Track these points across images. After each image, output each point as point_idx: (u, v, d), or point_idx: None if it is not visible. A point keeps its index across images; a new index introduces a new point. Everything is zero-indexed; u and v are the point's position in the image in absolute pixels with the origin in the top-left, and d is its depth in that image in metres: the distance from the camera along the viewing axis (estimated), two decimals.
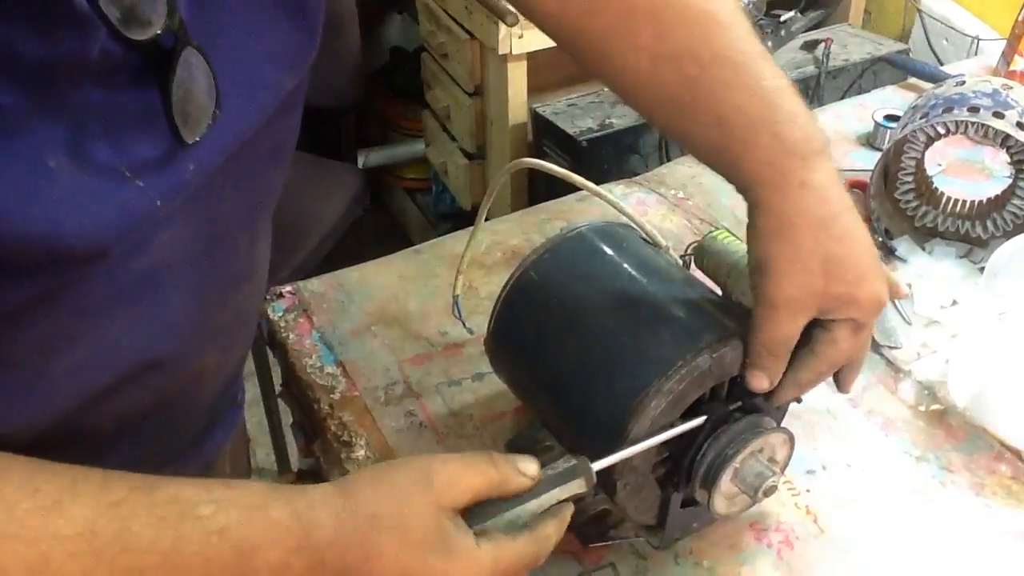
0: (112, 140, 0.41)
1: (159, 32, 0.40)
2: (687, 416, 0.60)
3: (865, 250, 0.58)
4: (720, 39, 0.56)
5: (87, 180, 0.40)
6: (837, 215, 0.57)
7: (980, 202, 1.01)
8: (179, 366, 0.55)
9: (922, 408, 0.80)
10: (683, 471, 0.61)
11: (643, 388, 0.59)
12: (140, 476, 0.44)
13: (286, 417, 1.20)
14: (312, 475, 0.94)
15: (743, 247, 0.67)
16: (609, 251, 0.70)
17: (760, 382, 0.60)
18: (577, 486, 0.54)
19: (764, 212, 0.57)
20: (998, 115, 0.89)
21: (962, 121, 0.91)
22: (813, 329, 0.60)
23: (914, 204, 1.00)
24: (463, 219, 2.00)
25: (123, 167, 0.42)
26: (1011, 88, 0.92)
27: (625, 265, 0.69)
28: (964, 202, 1.01)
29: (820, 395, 0.74)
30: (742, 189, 0.59)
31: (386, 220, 2.64)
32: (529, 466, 0.51)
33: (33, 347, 0.44)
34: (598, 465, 0.55)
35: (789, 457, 0.63)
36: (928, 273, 0.95)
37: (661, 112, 0.60)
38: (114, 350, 0.49)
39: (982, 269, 0.92)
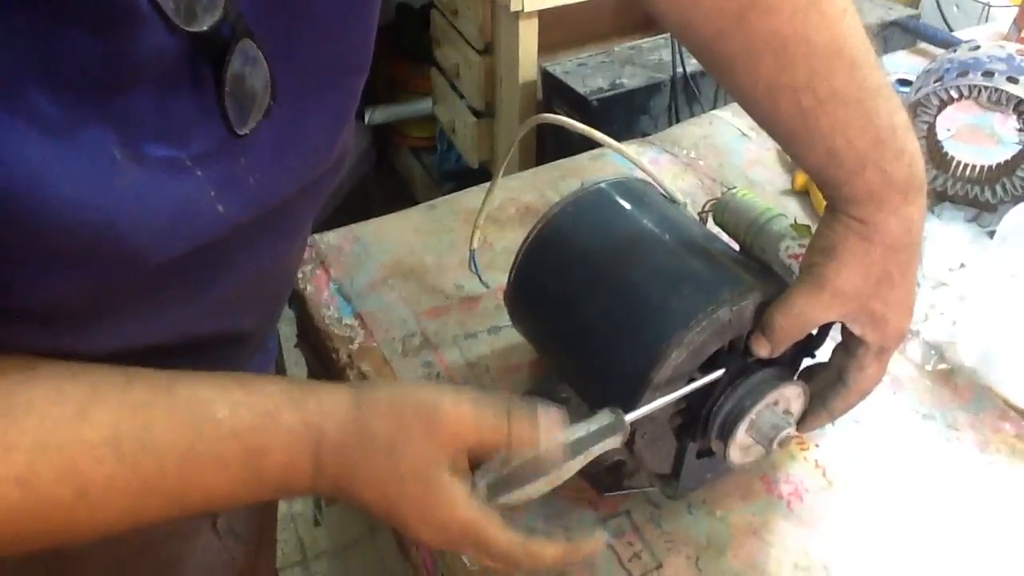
0: (165, 132, 0.41)
1: (214, 22, 0.39)
2: (706, 367, 0.62)
3: (912, 287, 0.62)
4: (841, 75, 0.57)
5: (143, 172, 0.40)
6: (909, 247, 0.60)
7: (989, 167, 1.02)
8: (224, 331, 0.56)
9: (929, 368, 0.81)
10: (700, 422, 0.63)
11: (664, 339, 0.60)
12: (162, 374, 0.46)
13: (293, 372, 1.22)
14: None
15: (762, 204, 0.69)
16: (629, 206, 0.71)
17: (762, 349, 0.62)
18: (612, 442, 0.55)
19: (853, 217, 0.59)
20: (1012, 80, 0.90)
21: (976, 85, 0.91)
22: (843, 360, 0.64)
23: (926, 166, 1.01)
24: (469, 178, 2.00)
25: (182, 157, 0.42)
26: None
27: (646, 220, 0.70)
28: (974, 167, 1.02)
29: (830, 352, 0.75)
30: (839, 202, 0.60)
31: (392, 178, 2.64)
32: (551, 425, 0.52)
33: (81, 316, 0.45)
34: (631, 417, 0.56)
35: (803, 409, 0.64)
36: (937, 236, 0.96)
37: (774, 133, 0.61)
38: (159, 323, 0.50)
39: (990, 233, 0.94)
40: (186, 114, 0.42)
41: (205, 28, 0.39)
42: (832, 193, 0.60)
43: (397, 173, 2.66)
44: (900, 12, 1.73)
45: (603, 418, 0.55)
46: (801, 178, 1.02)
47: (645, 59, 1.61)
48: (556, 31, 1.68)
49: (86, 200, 0.38)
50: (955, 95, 0.94)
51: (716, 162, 1.08)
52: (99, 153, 0.38)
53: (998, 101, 0.93)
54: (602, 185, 0.73)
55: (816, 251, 0.61)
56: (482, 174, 1.95)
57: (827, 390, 0.65)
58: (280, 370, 1.26)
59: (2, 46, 0.33)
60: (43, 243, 0.38)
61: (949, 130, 1.11)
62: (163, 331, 0.50)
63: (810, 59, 0.56)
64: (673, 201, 0.74)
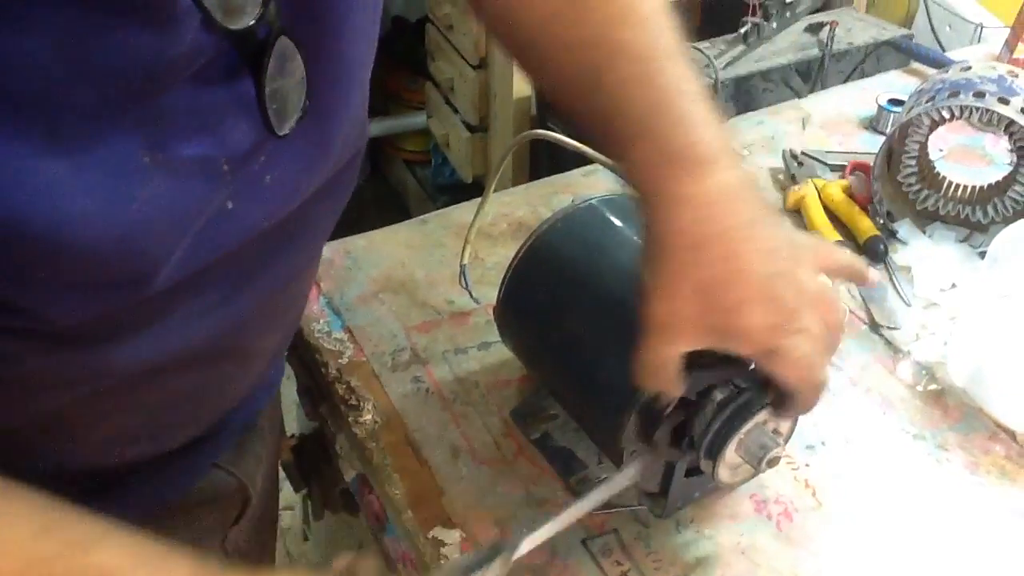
0: (200, 130, 0.40)
1: (253, 21, 0.39)
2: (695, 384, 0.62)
3: (758, 271, 0.51)
4: (633, 32, 0.53)
5: (170, 178, 0.40)
6: (719, 235, 0.51)
7: (981, 188, 1.02)
8: (236, 348, 0.56)
9: (920, 388, 0.81)
10: (688, 440, 0.63)
11: None
12: (89, 529, 0.42)
13: (283, 385, 1.23)
14: (315, 439, 0.95)
15: None
16: (620, 222, 0.71)
17: (648, 387, 0.57)
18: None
19: (644, 228, 0.54)
20: (1003, 101, 0.90)
21: (967, 106, 0.92)
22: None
23: (916, 188, 1.01)
24: (462, 192, 2.01)
25: (217, 157, 0.41)
26: (1017, 75, 0.93)
27: (636, 236, 0.69)
28: (965, 187, 1.02)
29: None
30: (632, 194, 0.55)
31: (385, 191, 2.64)
32: None
33: (94, 334, 0.44)
34: (523, 549, 0.55)
35: (792, 429, 0.64)
36: (928, 256, 0.96)
37: (567, 97, 0.57)
38: (171, 338, 0.49)
39: (982, 253, 0.94)
40: (223, 112, 0.41)
41: (245, 26, 0.39)
42: (622, 180, 0.56)
43: (390, 185, 2.66)
44: (893, 32, 1.74)
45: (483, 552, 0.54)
46: (793, 196, 1.03)
47: None
48: None
49: (101, 214, 0.37)
50: (947, 115, 0.94)
51: None
52: (122, 162, 0.37)
53: (989, 122, 0.93)
54: (593, 201, 0.73)
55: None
56: (476, 188, 1.96)
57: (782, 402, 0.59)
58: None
59: (39, 45, 0.33)
60: (55, 261, 0.37)
61: (941, 150, 1.11)
62: (174, 349, 0.49)
63: (602, 11, 0.54)
64: None
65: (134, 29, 0.35)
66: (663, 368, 0.54)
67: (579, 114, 0.56)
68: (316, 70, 0.45)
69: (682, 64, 0.53)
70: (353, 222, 1.09)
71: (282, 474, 1.81)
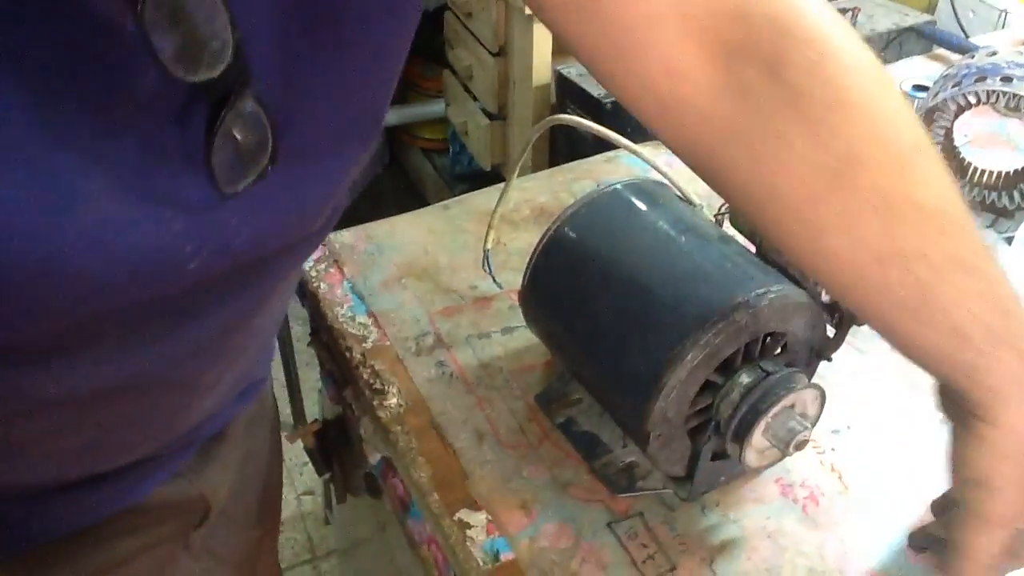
0: (149, 176, 0.39)
1: (215, 76, 0.37)
2: (720, 371, 0.62)
3: None
4: (954, 240, 0.49)
5: (115, 213, 0.38)
6: None
7: (1007, 173, 1.01)
8: (181, 382, 0.54)
9: None
10: (715, 424, 0.62)
11: (680, 341, 0.60)
12: None
13: (303, 372, 1.22)
14: (338, 423, 0.96)
15: None
16: (645, 207, 0.71)
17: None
18: None
19: (995, 425, 0.51)
20: None
21: (994, 91, 0.91)
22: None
23: None
24: (481, 180, 2.00)
25: (162, 205, 0.40)
26: None
27: (661, 221, 0.69)
28: (991, 173, 1.01)
29: (846, 356, 0.75)
30: (971, 398, 0.51)
31: (403, 180, 2.65)
32: None
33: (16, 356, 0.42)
34: None
35: (820, 413, 0.64)
36: None
37: (882, 313, 0.52)
38: (115, 366, 0.47)
39: (1008, 239, 0.93)
40: (173, 162, 0.39)
41: (204, 79, 0.36)
42: (966, 388, 0.51)
43: (408, 174, 2.66)
44: (916, 18, 1.72)
45: None
46: None
47: None
48: None
49: (39, 233, 0.35)
50: (973, 100, 0.93)
51: None
52: (68, 185, 0.36)
53: (1016, 107, 0.92)
54: (617, 186, 0.73)
55: (969, 485, 0.53)
56: (494, 177, 1.96)
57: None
58: (290, 371, 1.27)
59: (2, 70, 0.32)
60: None
61: (966, 136, 1.10)
62: (119, 374, 0.47)
63: (920, 222, 0.49)
64: (689, 203, 0.74)
65: (83, 69, 0.34)
66: (992, 561, 0.54)
67: (900, 323, 0.52)
68: (285, 134, 0.42)
69: (998, 264, 0.50)
70: (370, 211, 1.09)
71: (302, 460, 1.81)
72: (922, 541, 0.65)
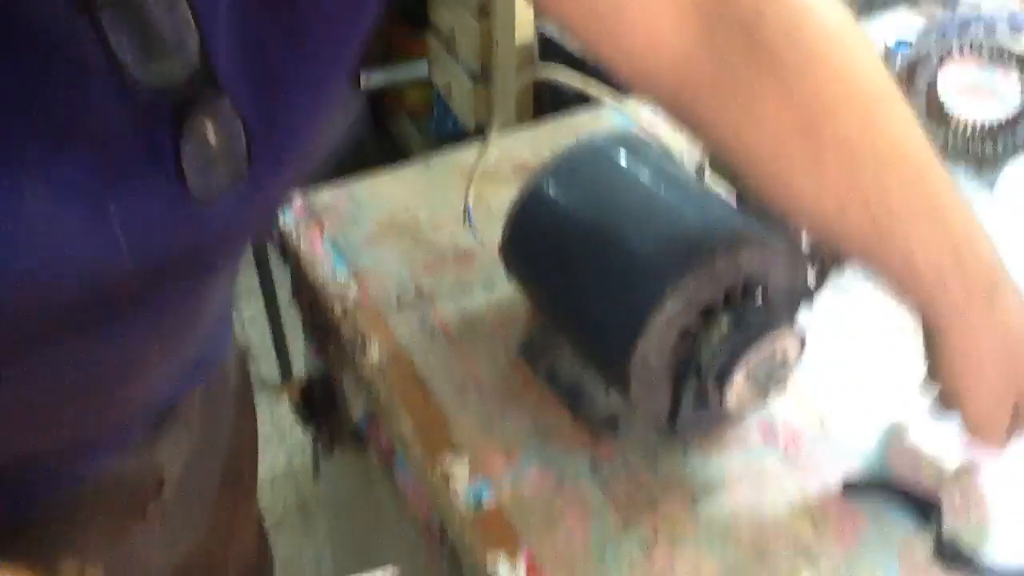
0: (101, 180, 0.37)
1: (180, 82, 0.35)
2: (701, 318, 0.62)
3: None
4: (912, 187, 0.54)
5: (64, 214, 0.36)
6: (1019, 341, 0.58)
7: (990, 123, 1.01)
8: (127, 385, 0.53)
9: None
10: (696, 367, 0.63)
11: (659, 288, 0.60)
12: None
13: (292, 330, 1.23)
14: (323, 380, 0.96)
15: None
16: (624, 159, 0.70)
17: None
18: None
19: (946, 348, 0.58)
20: (1015, 34, 0.89)
21: (978, 41, 0.91)
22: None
23: (925, 123, 1.00)
24: (465, 142, 1.99)
25: (115, 211, 0.38)
26: None
27: (641, 173, 0.69)
28: (974, 123, 1.01)
29: (829, 299, 0.75)
30: (927, 325, 0.59)
31: (387, 143, 2.63)
32: None
33: None
34: None
35: (800, 355, 0.64)
36: None
37: (844, 247, 0.59)
38: (47, 371, 0.45)
39: (991, 186, 0.94)
40: (134, 169, 0.38)
41: (166, 84, 0.35)
42: (919, 316, 0.59)
43: (392, 138, 2.64)
44: None
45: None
46: None
47: None
48: None
49: None
50: (956, 51, 0.93)
51: None
52: (15, 192, 0.34)
53: (1000, 57, 0.92)
54: (597, 140, 0.72)
55: (947, 397, 0.62)
56: (479, 138, 1.95)
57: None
58: (278, 333, 1.27)
59: None
60: None
61: (950, 87, 1.10)
62: (55, 362, 0.45)
63: (878, 168, 0.53)
64: (669, 155, 0.74)
65: (35, 74, 0.33)
66: (999, 430, 0.62)
67: (862, 259, 0.58)
68: (264, 139, 0.41)
69: (960, 200, 0.55)
70: (354, 175, 1.08)
71: (289, 421, 1.81)
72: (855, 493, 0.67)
